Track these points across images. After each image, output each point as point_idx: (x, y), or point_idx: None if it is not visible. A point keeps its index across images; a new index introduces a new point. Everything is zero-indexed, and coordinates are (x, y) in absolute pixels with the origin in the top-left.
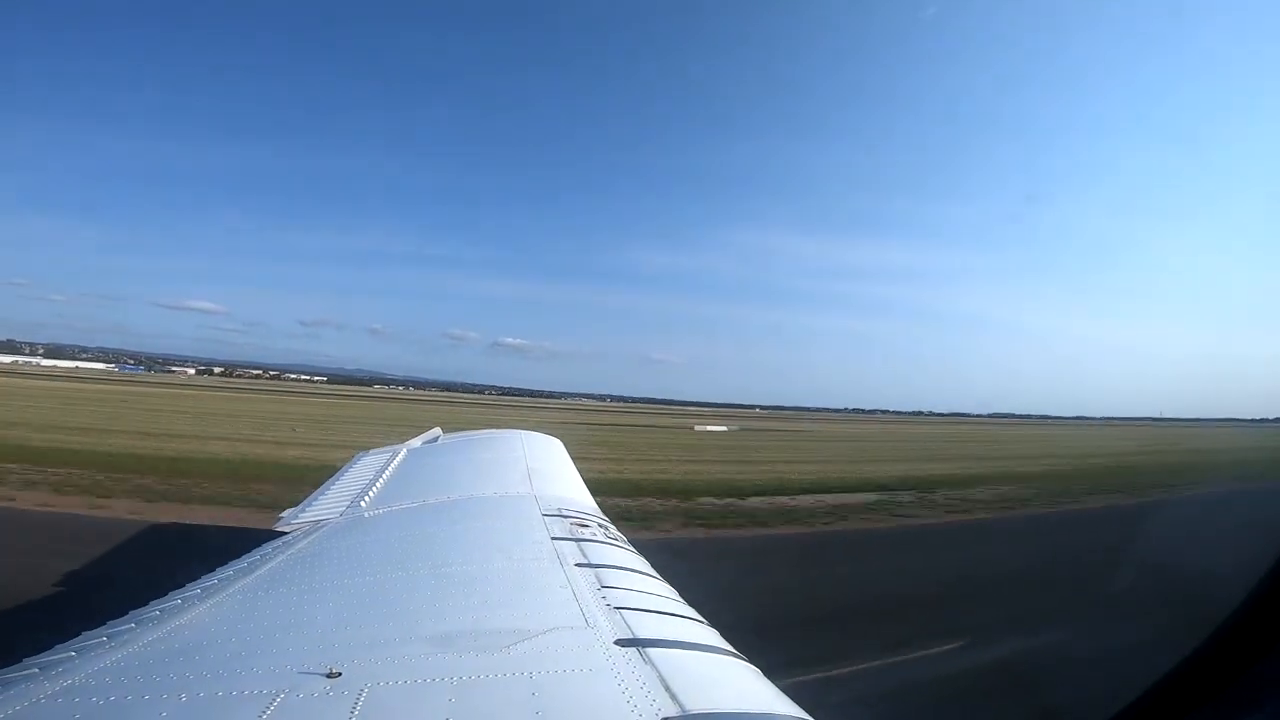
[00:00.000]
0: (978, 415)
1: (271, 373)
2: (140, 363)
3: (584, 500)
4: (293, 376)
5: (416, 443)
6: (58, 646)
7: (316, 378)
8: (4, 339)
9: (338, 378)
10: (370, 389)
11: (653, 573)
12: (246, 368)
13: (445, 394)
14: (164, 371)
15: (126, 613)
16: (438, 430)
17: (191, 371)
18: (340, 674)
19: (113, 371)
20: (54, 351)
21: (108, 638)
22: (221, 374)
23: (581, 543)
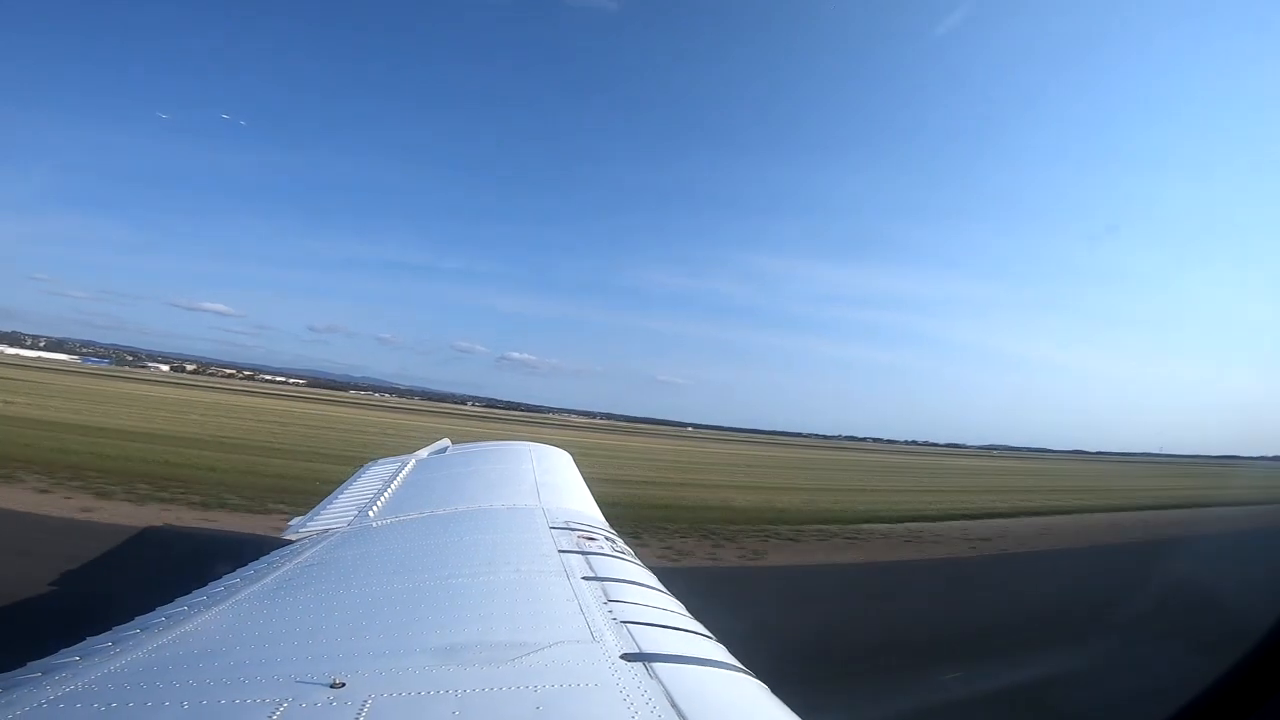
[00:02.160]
0: (970, 446)
1: (245, 373)
2: (106, 355)
3: (592, 513)
4: (267, 378)
5: (424, 453)
6: (62, 651)
7: (293, 380)
8: (10, 330)
9: (339, 384)
10: (346, 394)
11: (660, 587)
12: (251, 369)
13: (372, 399)
14: (138, 366)
15: (132, 618)
16: (446, 441)
17: (165, 368)
18: (344, 684)
19: (75, 363)
20: (55, 345)
21: (113, 643)
22: (193, 371)
23: (588, 556)
